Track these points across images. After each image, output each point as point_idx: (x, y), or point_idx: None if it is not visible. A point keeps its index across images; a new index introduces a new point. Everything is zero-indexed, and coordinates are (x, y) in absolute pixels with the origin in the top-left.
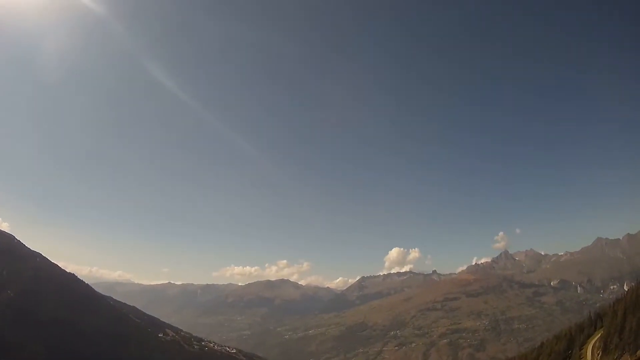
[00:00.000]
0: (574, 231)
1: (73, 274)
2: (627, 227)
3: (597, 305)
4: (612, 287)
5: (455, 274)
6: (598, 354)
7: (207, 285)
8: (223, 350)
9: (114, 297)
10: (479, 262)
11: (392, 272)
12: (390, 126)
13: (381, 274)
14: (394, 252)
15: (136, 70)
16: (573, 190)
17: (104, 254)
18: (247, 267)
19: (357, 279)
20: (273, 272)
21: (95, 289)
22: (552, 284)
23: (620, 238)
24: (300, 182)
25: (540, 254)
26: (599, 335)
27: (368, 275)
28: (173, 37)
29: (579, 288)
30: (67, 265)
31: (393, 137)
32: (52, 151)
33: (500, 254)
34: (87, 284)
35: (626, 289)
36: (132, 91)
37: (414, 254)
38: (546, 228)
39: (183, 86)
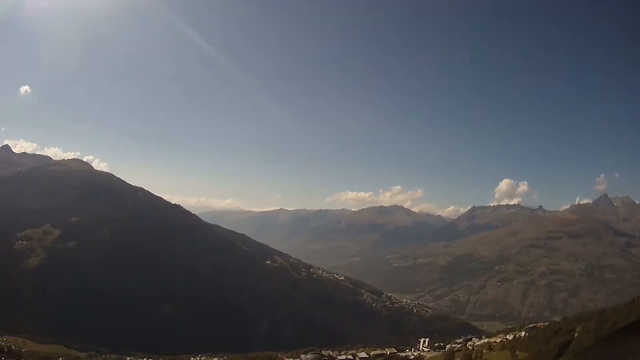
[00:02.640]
0: None
1: (178, 205)
2: None
3: None
4: None
5: (559, 211)
6: None
7: (320, 210)
8: (331, 277)
9: (222, 226)
10: (581, 203)
11: (501, 204)
12: (505, 60)
13: (491, 204)
14: (504, 184)
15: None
16: None
17: (212, 184)
18: (362, 192)
19: (468, 208)
20: (387, 197)
21: (203, 219)
22: None
23: None
24: (418, 107)
25: (635, 203)
26: None
27: (478, 205)
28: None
29: None
30: (173, 197)
31: (506, 68)
32: (152, 87)
33: (600, 197)
34: (193, 214)
35: None
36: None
37: (523, 187)
38: None
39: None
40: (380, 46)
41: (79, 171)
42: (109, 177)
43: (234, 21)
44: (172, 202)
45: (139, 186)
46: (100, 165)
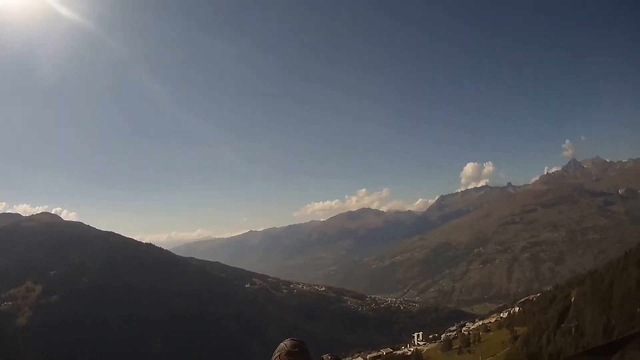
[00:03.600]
0: (634, 138)
1: (150, 243)
2: None
3: None
4: None
5: (529, 184)
6: None
7: (289, 226)
8: (312, 290)
9: (196, 257)
10: (551, 172)
11: (469, 188)
12: (452, 41)
13: (459, 191)
14: (469, 168)
15: None
16: (632, 97)
17: (180, 218)
18: (327, 201)
19: (436, 198)
20: (353, 202)
21: (176, 253)
22: (619, 192)
23: None
24: (371, 107)
25: (606, 161)
26: None
27: (446, 193)
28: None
29: None
30: (144, 237)
31: (454, 50)
32: (107, 132)
33: (569, 162)
34: (166, 250)
35: None
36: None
37: (488, 167)
38: (608, 134)
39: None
40: (320, 49)
41: (50, 224)
42: (78, 226)
43: (179, 57)
44: (144, 242)
45: (109, 231)
46: (69, 215)
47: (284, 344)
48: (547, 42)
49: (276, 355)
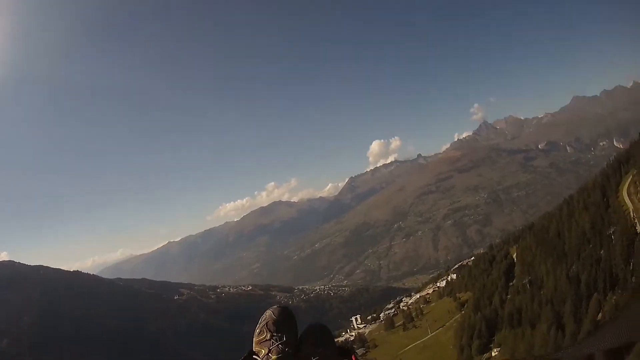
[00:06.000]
0: (547, 92)
1: (77, 270)
2: (602, 84)
3: (592, 162)
4: (601, 144)
5: (440, 153)
6: (638, 197)
7: (205, 231)
8: (240, 291)
9: (122, 277)
10: (461, 137)
11: (378, 165)
12: (348, 16)
13: (368, 170)
14: (375, 145)
15: None
16: (540, 51)
17: (100, 241)
18: (238, 200)
19: (346, 180)
20: (264, 197)
21: (103, 276)
22: (540, 146)
23: (598, 94)
24: (265, 96)
25: (521, 119)
26: (629, 180)
27: (356, 174)
28: None
29: (568, 148)
30: (72, 265)
31: (349, 24)
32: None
33: (480, 125)
34: (93, 274)
35: (617, 144)
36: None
37: (395, 142)
38: (519, 92)
39: None
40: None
41: None
42: (10, 265)
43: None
44: (72, 270)
45: (39, 265)
46: (1, 255)
47: (271, 312)
48: (443, 10)
49: (262, 324)
